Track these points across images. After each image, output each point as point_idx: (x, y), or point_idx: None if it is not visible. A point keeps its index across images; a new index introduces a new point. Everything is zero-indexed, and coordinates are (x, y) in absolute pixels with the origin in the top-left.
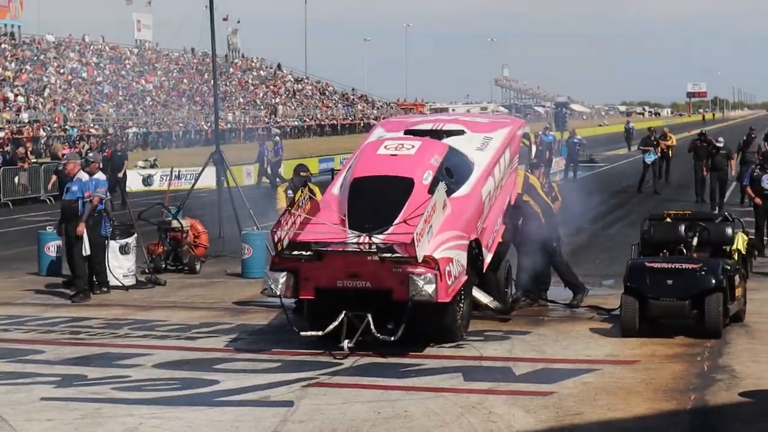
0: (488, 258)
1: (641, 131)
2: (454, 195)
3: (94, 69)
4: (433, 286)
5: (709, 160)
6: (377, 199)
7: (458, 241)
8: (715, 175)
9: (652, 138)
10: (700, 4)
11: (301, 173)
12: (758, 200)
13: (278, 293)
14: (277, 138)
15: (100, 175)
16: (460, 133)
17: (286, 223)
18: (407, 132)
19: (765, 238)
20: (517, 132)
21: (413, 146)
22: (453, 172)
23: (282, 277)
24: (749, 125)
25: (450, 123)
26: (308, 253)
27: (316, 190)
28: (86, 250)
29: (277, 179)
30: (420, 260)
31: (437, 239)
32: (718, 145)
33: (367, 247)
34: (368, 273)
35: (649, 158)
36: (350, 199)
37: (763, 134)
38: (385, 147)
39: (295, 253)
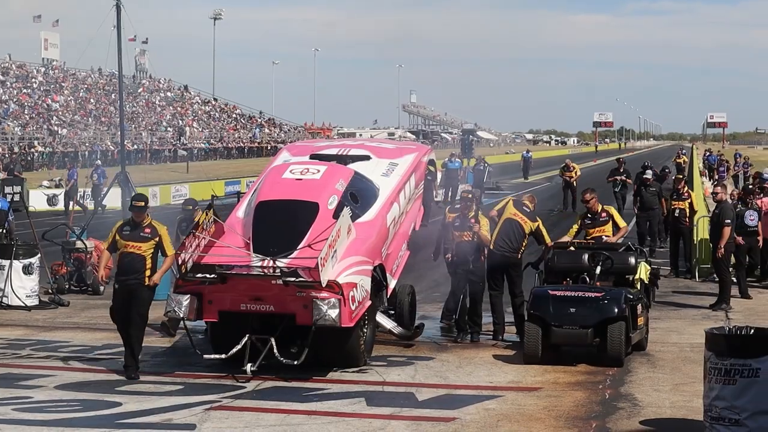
0: (392, 283)
1: (541, 160)
2: (359, 220)
3: None
4: (337, 310)
5: (637, 198)
6: (282, 223)
7: (362, 266)
8: (644, 216)
9: (621, 169)
10: (609, 35)
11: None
12: (740, 239)
13: (182, 316)
14: (98, 162)
15: None
16: (366, 158)
17: (191, 246)
18: (313, 156)
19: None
20: (422, 159)
21: (318, 171)
22: (358, 197)
23: (186, 300)
24: (654, 155)
25: (356, 148)
26: (212, 276)
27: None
28: None
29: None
30: (324, 285)
31: (341, 264)
32: (645, 177)
33: (271, 270)
34: (272, 297)
35: (618, 188)
36: (255, 222)
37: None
38: (291, 171)
39: (199, 275)
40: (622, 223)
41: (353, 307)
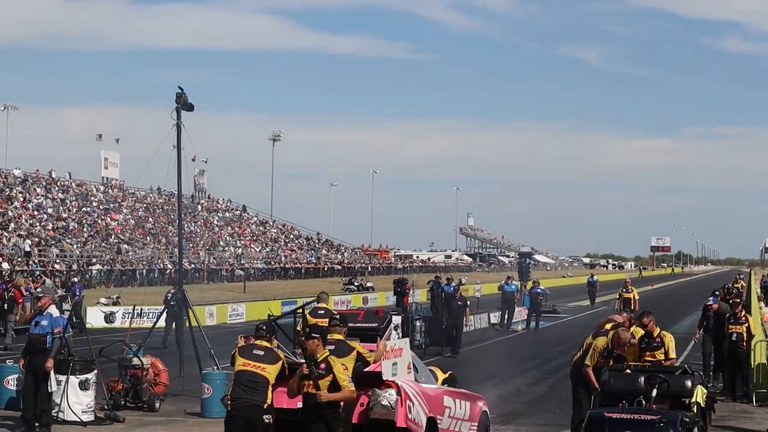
0: None
1: (604, 284)
2: (423, 385)
3: (59, 204)
4: (394, 399)
5: (703, 323)
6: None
7: (420, 399)
8: (717, 345)
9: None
10: (667, 159)
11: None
12: None
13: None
14: (75, 279)
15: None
16: None
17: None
18: None
19: None
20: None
21: None
22: (418, 369)
23: None
24: (712, 280)
25: None
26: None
27: None
28: (52, 385)
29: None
30: (384, 378)
31: (401, 382)
32: (708, 305)
33: None
34: None
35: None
36: None
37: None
38: None
39: None
40: (672, 353)
41: (409, 415)
